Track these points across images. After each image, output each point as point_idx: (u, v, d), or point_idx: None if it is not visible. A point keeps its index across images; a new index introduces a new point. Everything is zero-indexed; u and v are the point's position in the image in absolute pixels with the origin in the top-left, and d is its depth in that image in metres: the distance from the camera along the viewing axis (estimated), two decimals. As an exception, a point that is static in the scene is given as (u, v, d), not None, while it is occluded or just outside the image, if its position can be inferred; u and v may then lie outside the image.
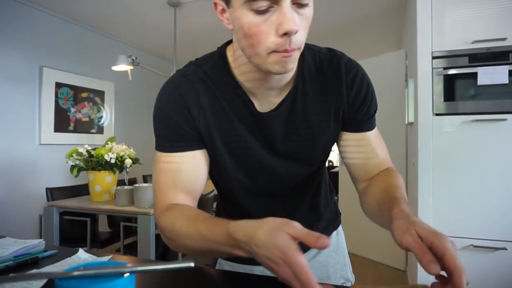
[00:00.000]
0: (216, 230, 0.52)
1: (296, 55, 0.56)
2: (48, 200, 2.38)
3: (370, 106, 0.70)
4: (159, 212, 0.65)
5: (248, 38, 0.54)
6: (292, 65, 0.57)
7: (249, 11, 0.52)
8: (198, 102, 0.65)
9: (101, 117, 3.56)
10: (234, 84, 0.65)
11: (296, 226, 0.45)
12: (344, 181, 3.44)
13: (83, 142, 3.22)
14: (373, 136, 0.73)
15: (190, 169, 0.66)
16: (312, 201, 0.81)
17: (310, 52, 0.68)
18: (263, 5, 0.51)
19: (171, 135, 0.65)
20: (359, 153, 0.73)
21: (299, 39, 0.54)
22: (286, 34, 0.51)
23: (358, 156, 0.73)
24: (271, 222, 0.47)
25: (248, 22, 0.53)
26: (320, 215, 0.84)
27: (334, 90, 0.68)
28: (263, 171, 0.71)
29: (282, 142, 0.68)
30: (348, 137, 0.73)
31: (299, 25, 0.53)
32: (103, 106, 3.58)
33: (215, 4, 0.59)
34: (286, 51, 0.53)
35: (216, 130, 0.66)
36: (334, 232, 0.89)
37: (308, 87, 0.67)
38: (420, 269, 1.81)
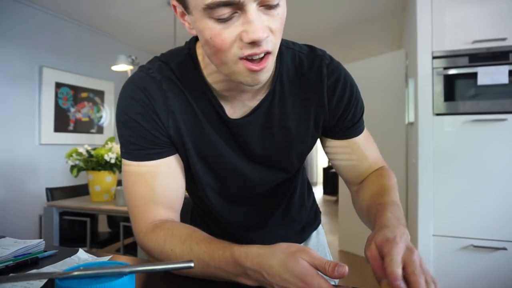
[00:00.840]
0: (217, 254, 0.48)
1: (270, 64, 0.51)
2: (48, 200, 2.38)
3: (356, 110, 0.65)
4: (143, 231, 0.58)
5: (212, 47, 0.48)
6: (265, 76, 0.51)
7: (209, 19, 0.46)
8: (166, 104, 0.58)
9: (101, 117, 3.56)
10: (203, 85, 0.59)
11: (312, 253, 0.43)
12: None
13: (83, 142, 3.23)
14: (362, 140, 0.68)
15: (167, 179, 0.59)
16: (287, 205, 0.77)
17: (289, 52, 0.62)
18: (224, 12, 0.44)
19: (140, 142, 0.57)
20: (348, 160, 0.68)
21: (271, 43, 0.48)
22: (254, 42, 0.46)
23: (347, 163, 0.69)
24: (285, 249, 0.44)
25: (210, 31, 0.47)
26: (295, 219, 0.79)
27: (315, 95, 0.62)
28: (236, 178, 0.66)
29: (256, 149, 0.63)
30: (335, 144, 0.68)
31: (270, 29, 0.47)
32: (103, 106, 3.58)
33: (174, 6, 0.52)
34: (255, 61, 0.48)
35: (187, 135, 0.60)
36: (314, 232, 0.86)
37: (287, 91, 0.61)
38: (420, 269, 1.81)
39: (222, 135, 0.61)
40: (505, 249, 1.66)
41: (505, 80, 1.66)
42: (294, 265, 0.42)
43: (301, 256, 0.42)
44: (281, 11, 0.49)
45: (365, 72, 3.12)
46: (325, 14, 3.14)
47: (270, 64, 0.51)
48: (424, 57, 1.82)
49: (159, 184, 0.59)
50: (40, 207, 2.64)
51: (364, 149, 0.68)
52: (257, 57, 0.48)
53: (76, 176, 2.24)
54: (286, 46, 0.62)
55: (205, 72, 0.59)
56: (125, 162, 0.60)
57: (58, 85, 3.08)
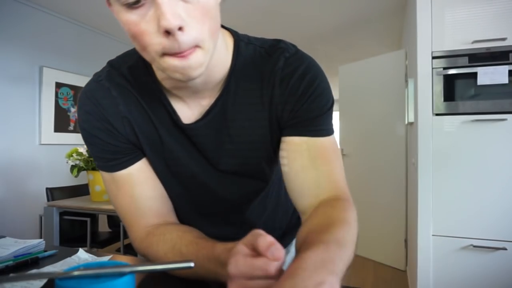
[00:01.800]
0: (201, 254, 0.48)
1: (199, 57, 0.44)
2: (48, 200, 2.38)
3: (312, 104, 0.54)
4: (138, 239, 0.58)
5: (135, 40, 0.44)
6: (197, 71, 0.45)
7: (125, 9, 0.42)
8: (118, 111, 0.55)
9: (101, 117, 3.56)
10: (157, 89, 0.55)
11: (244, 243, 0.38)
12: (344, 181, 3.43)
13: (83, 142, 3.22)
14: (320, 146, 0.55)
15: (145, 185, 0.58)
16: (266, 219, 0.71)
17: (249, 47, 0.57)
18: None
19: (105, 154, 0.57)
20: (297, 165, 0.54)
21: (192, 36, 0.42)
22: (169, 32, 0.41)
23: (295, 169, 0.55)
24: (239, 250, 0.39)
25: (126, 21, 0.43)
26: (275, 228, 0.74)
27: (268, 91, 0.55)
28: (201, 189, 0.61)
29: (216, 155, 0.58)
30: (286, 142, 0.56)
31: (188, 17, 0.41)
32: (103, 106, 3.58)
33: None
34: (178, 54, 0.43)
35: (145, 142, 0.57)
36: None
37: (242, 89, 0.56)
38: (420, 269, 1.81)
39: (180, 142, 0.57)
40: (505, 249, 1.66)
41: (505, 80, 1.66)
42: (232, 267, 0.36)
43: (238, 256, 0.37)
44: None
45: (365, 72, 3.12)
46: (325, 14, 3.14)
47: (200, 59, 0.45)
48: (424, 57, 1.82)
49: (139, 193, 0.58)
50: (40, 207, 2.64)
51: (320, 158, 0.54)
52: (178, 50, 0.42)
53: (76, 176, 2.24)
54: (246, 42, 0.57)
55: (158, 74, 0.55)
56: (101, 173, 0.60)
57: (58, 85, 3.08)
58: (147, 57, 0.46)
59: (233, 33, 0.58)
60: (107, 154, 0.57)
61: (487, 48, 1.70)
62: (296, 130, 0.55)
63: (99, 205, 2.14)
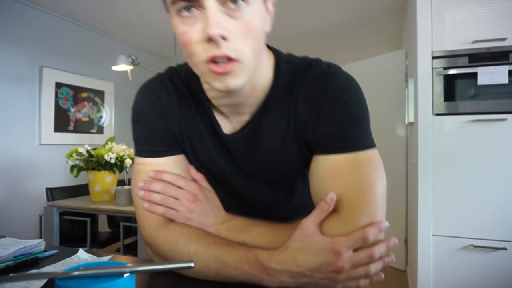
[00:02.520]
0: (239, 256, 0.50)
1: (238, 71, 0.48)
2: (48, 200, 2.38)
3: (331, 121, 0.53)
4: (153, 226, 0.58)
5: (184, 49, 0.49)
6: (236, 82, 0.48)
7: (178, 17, 0.47)
8: (173, 109, 0.61)
9: (101, 117, 3.56)
10: (203, 98, 0.60)
11: (311, 219, 0.50)
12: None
13: (83, 142, 3.22)
14: (331, 163, 0.53)
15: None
16: (291, 219, 0.74)
17: (289, 67, 0.59)
18: (181, 6, 0.46)
19: (151, 139, 0.61)
20: (311, 184, 0.57)
21: (234, 47, 0.46)
22: (211, 40, 0.45)
23: (311, 183, 0.57)
24: (296, 238, 0.48)
25: (179, 31, 0.48)
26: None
27: (294, 108, 0.58)
28: (233, 196, 0.66)
29: (249, 166, 0.62)
30: (312, 161, 0.57)
31: (232, 31, 0.46)
32: (103, 106, 3.58)
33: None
34: (220, 63, 0.46)
35: (189, 144, 0.62)
36: None
37: (276, 107, 0.59)
38: (420, 269, 1.81)
39: (219, 150, 0.62)
40: (505, 249, 1.66)
41: (505, 80, 1.66)
42: (312, 243, 0.46)
43: (310, 231, 0.47)
44: (248, 14, 0.46)
45: (365, 72, 3.12)
46: (325, 14, 3.14)
47: (238, 71, 0.48)
48: (424, 57, 1.82)
49: None
50: (40, 207, 2.64)
51: (327, 178, 0.53)
52: (220, 60, 0.46)
53: (76, 176, 2.24)
54: (287, 61, 0.60)
55: (204, 86, 0.60)
56: (137, 160, 0.63)
57: (58, 85, 3.08)
58: (191, 63, 0.50)
59: (275, 52, 0.61)
60: (153, 140, 0.61)
61: (487, 48, 1.70)
62: (317, 147, 0.56)
63: (99, 205, 2.14)
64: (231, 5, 0.45)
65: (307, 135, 0.57)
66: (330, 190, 0.51)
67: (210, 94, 0.59)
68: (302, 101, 0.56)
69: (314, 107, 0.55)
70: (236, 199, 0.66)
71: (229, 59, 0.47)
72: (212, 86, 0.49)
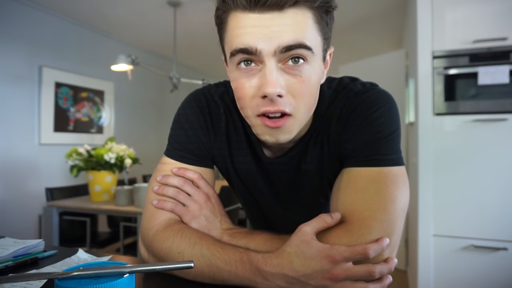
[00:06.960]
0: (233, 260, 0.49)
1: (289, 126, 0.49)
2: (47, 200, 2.38)
3: (360, 136, 0.53)
4: (153, 229, 0.57)
5: (239, 101, 0.51)
6: (285, 137, 0.50)
7: (236, 70, 0.48)
8: (219, 127, 0.63)
9: (101, 117, 3.56)
10: (247, 126, 0.61)
11: (310, 226, 0.47)
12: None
13: (83, 142, 3.22)
14: (353, 175, 0.53)
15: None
16: None
17: (329, 92, 0.59)
18: (240, 59, 0.47)
19: (188, 144, 0.62)
20: (333, 190, 0.58)
21: (288, 104, 0.47)
22: (266, 97, 0.46)
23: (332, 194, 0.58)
24: (293, 243, 0.46)
25: (236, 83, 0.49)
26: None
27: (326, 129, 0.59)
28: (261, 214, 0.70)
29: (286, 189, 0.65)
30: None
31: (288, 88, 0.46)
32: (103, 106, 3.57)
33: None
34: (272, 118, 0.47)
35: (230, 162, 0.65)
36: None
37: (322, 133, 0.59)
38: (420, 269, 1.80)
39: (261, 173, 0.64)
40: (505, 249, 1.66)
41: (505, 80, 1.66)
42: (308, 248, 0.44)
43: (307, 236, 0.45)
44: (305, 73, 0.47)
45: (365, 72, 3.12)
46: (325, 14, 3.13)
47: (290, 126, 0.49)
48: (424, 57, 1.82)
49: None
50: (40, 207, 2.64)
51: (343, 189, 0.53)
52: (273, 115, 0.47)
53: (76, 176, 2.24)
54: (327, 86, 0.60)
55: None
56: (164, 160, 0.63)
57: (58, 85, 3.08)
58: (244, 114, 0.52)
59: None
60: (190, 145, 0.62)
61: (488, 48, 1.70)
62: (346, 162, 0.56)
63: (99, 205, 2.14)
64: (291, 63, 0.46)
65: (339, 152, 0.58)
66: (345, 198, 0.51)
67: (256, 130, 0.56)
68: (335, 120, 0.57)
69: (345, 123, 0.56)
70: (264, 219, 0.71)
71: (283, 114, 0.48)
72: (261, 139, 0.51)
